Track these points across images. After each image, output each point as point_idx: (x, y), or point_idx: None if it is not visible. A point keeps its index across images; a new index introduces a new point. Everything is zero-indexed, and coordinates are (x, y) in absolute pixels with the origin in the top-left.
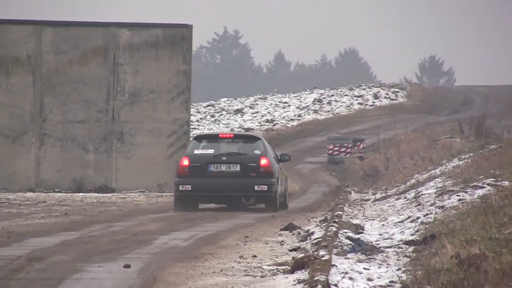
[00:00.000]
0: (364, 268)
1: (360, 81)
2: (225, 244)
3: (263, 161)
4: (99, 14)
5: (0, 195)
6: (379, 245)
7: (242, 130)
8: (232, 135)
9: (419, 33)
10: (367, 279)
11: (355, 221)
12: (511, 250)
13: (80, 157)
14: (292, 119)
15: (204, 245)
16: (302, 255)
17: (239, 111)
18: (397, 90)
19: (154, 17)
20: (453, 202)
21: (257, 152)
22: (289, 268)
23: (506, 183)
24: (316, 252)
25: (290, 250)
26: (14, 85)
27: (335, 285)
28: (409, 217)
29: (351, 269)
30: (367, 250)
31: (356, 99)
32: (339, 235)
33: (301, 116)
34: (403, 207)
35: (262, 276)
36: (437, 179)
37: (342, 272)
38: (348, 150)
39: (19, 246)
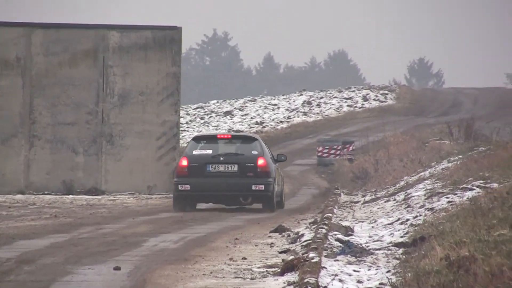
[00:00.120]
0: (354, 270)
1: (350, 83)
2: (215, 246)
3: (260, 161)
4: (89, 17)
5: None
6: (368, 247)
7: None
8: (230, 136)
9: (408, 36)
10: (357, 281)
11: (344, 223)
12: (500, 252)
13: (70, 159)
14: (281, 121)
15: (194, 247)
16: (292, 257)
17: (228, 113)
18: (386, 92)
19: (143, 19)
20: (442, 204)
21: (254, 152)
22: (279, 270)
23: (495, 185)
24: (306, 254)
25: (280, 252)
26: (4, 87)
27: (325, 287)
28: (399, 219)
29: (341, 271)
30: (357, 252)
31: (346, 101)
32: (329, 237)
33: (290, 118)
34: (392, 209)
35: (252, 278)
36: (426, 181)
37: (332, 274)
38: (338, 152)
39: (8, 249)
